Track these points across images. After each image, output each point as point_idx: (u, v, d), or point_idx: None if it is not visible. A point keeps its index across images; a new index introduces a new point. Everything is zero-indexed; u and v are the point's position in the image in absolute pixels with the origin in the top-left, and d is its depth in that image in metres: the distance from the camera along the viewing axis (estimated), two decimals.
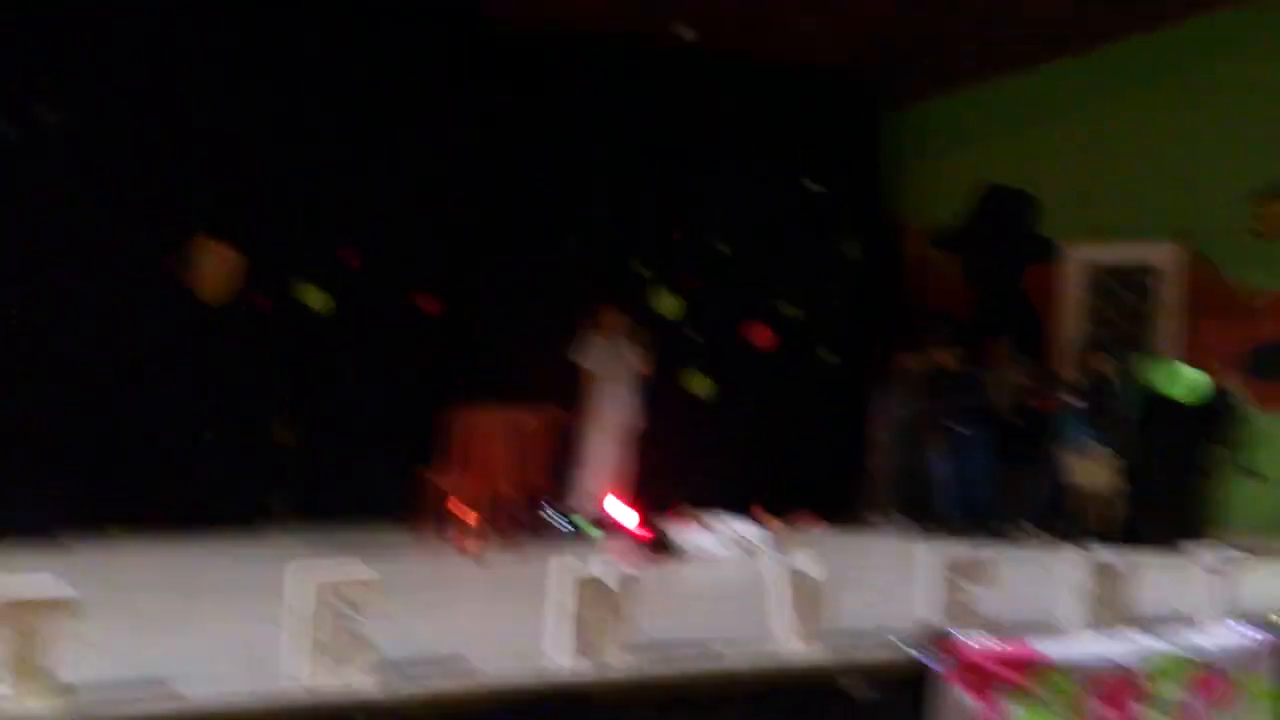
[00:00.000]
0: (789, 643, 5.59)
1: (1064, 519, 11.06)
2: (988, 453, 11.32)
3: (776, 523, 10.34)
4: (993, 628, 5.96)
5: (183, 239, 9.85)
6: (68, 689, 4.33)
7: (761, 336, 12.47)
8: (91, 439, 9.45)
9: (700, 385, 12.02)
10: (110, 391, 9.53)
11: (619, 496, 10.72)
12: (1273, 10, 10.68)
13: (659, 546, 9.18)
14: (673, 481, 10.97)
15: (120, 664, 5.03)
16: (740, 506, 10.27)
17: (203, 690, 4.57)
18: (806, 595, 5.60)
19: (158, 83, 9.76)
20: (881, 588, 7.88)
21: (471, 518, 9.05)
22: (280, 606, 4.85)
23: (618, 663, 5.16)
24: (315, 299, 10.34)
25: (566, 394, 10.39)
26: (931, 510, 11.92)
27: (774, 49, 11.74)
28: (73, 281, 9.36)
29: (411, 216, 10.77)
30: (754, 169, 12.39)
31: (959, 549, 6.29)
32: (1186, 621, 6.52)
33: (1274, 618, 6.66)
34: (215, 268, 9.93)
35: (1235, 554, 6.68)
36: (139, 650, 5.36)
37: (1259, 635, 6.46)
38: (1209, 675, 6.24)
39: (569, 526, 10.36)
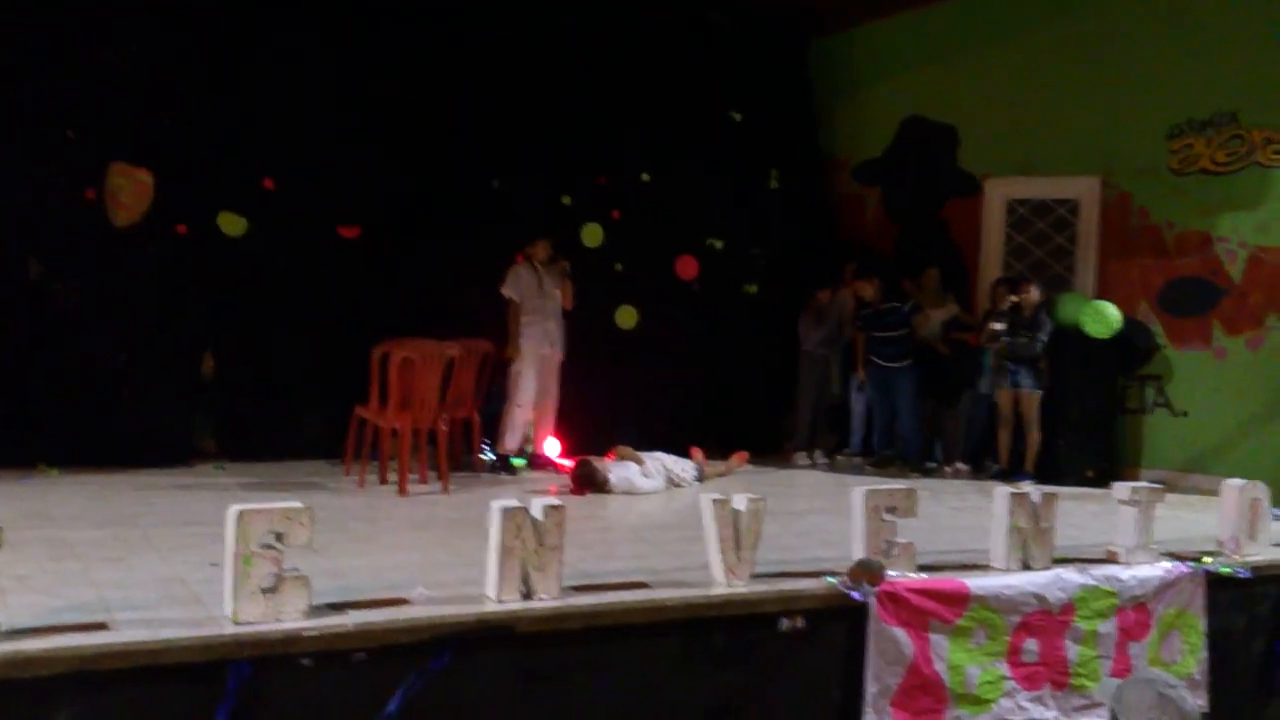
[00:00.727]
0: (718, 576, 5.61)
1: (988, 453, 11.22)
2: (913, 386, 11.38)
3: (705, 457, 10.36)
4: (920, 562, 6.03)
5: (98, 167, 9.63)
6: None
7: (688, 270, 12.44)
8: (13, 375, 9.29)
9: (627, 319, 11.98)
10: (29, 327, 9.38)
11: (545, 429, 10.71)
12: None
13: (584, 479, 9.16)
14: (601, 417, 11.00)
15: (50, 598, 4.98)
16: (666, 442, 10.26)
17: (134, 625, 4.52)
18: (735, 529, 5.61)
19: (72, 8, 9.50)
20: (810, 522, 7.96)
21: (401, 452, 8.98)
22: (212, 542, 4.76)
23: (545, 595, 5.15)
24: (234, 226, 10.18)
25: (495, 328, 10.29)
26: (855, 445, 12.05)
27: None
28: None
29: (338, 149, 10.56)
30: (680, 100, 12.29)
31: (885, 483, 6.32)
32: (1108, 556, 6.63)
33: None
34: (131, 193, 9.71)
35: (1153, 488, 6.78)
36: (69, 585, 5.28)
37: (1180, 568, 6.60)
38: (1132, 608, 6.37)
39: (497, 460, 10.34)
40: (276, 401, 10.19)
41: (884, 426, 11.62)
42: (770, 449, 11.98)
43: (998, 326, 10.69)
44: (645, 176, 12.15)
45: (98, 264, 9.56)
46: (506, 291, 10.38)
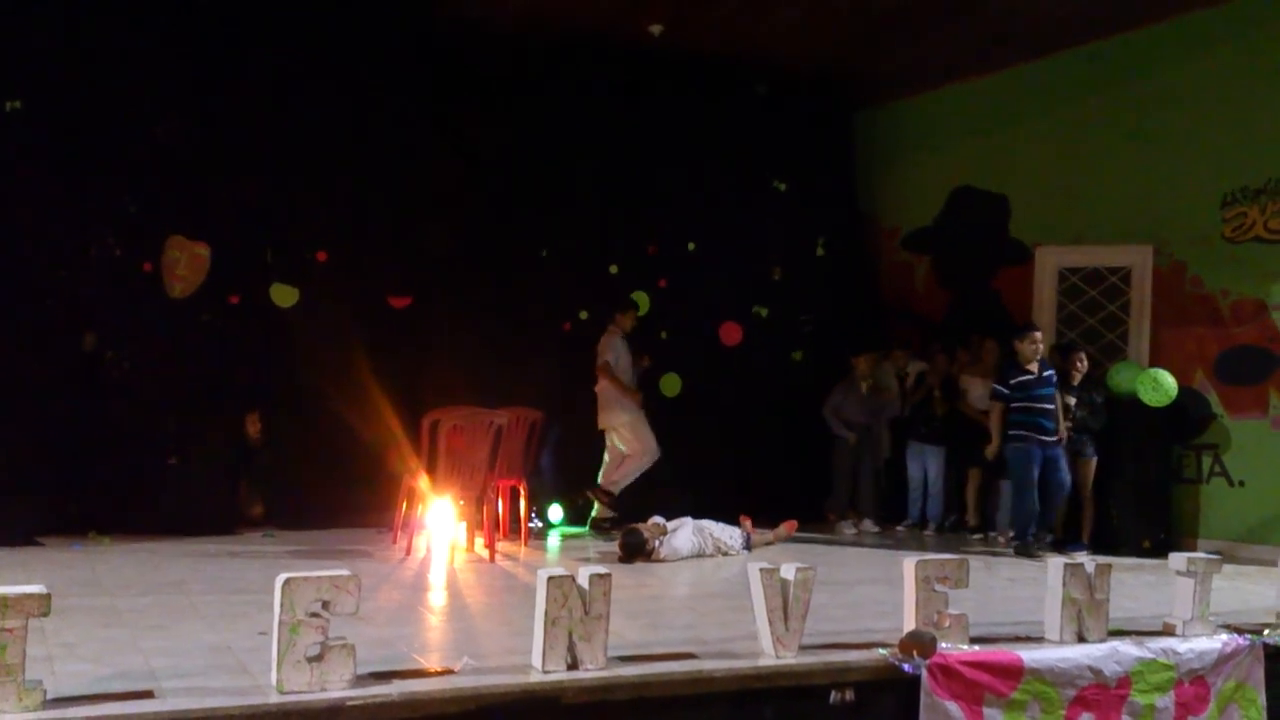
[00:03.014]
0: (767, 647, 5.54)
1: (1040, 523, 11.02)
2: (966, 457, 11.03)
3: (754, 526, 10.27)
4: (973, 634, 5.93)
5: (156, 240, 9.81)
6: (42, 690, 4.29)
7: (732, 337, 12.43)
8: (67, 443, 9.43)
9: (671, 387, 11.98)
10: (84, 394, 9.54)
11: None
12: (1242, 11, 10.65)
13: (633, 548, 9.09)
14: (646, 484, 10.95)
15: (97, 666, 5.00)
16: (711, 509, 10.17)
17: (180, 694, 4.52)
18: (784, 599, 5.54)
19: (133, 86, 9.78)
20: (860, 593, 7.87)
21: (449, 520, 8.99)
22: (259, 610, 4.75)
23: (591, 665, 5.11)
24: (286, 297, 10.29)
25: (543, 397, 10.33)
26: (914, 515, 11.89)
27: (748, 51, 11.73)
28: (44, 284, 9.41)
29: (390, 221, 10.73)
30: (727, 170, 12.37)
31: (937, 554, 6.25)
32: (1165, 628, 6.51)
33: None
34: (189, 265, 9.87)
35: (1211, 559, 6.65)
36: (116, 653, 5.30)
37: (1238, 641, 6.46)
38: (1189, 681, 6.24)
39: (543, 526, 10.37)
40: (326, 469, 10.23)
41: (1035, 509, 10.20)
42: (816, 517, 11.91)
43: (1071, 401, 10.55)
44: (691, 246, 12.20)
45: (151, 334, 9.72)
46: (608, 357, 10.61)
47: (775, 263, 12.70)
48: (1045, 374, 10.29)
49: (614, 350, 10.74)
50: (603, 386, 10.74)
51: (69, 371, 9.50)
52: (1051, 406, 10.26)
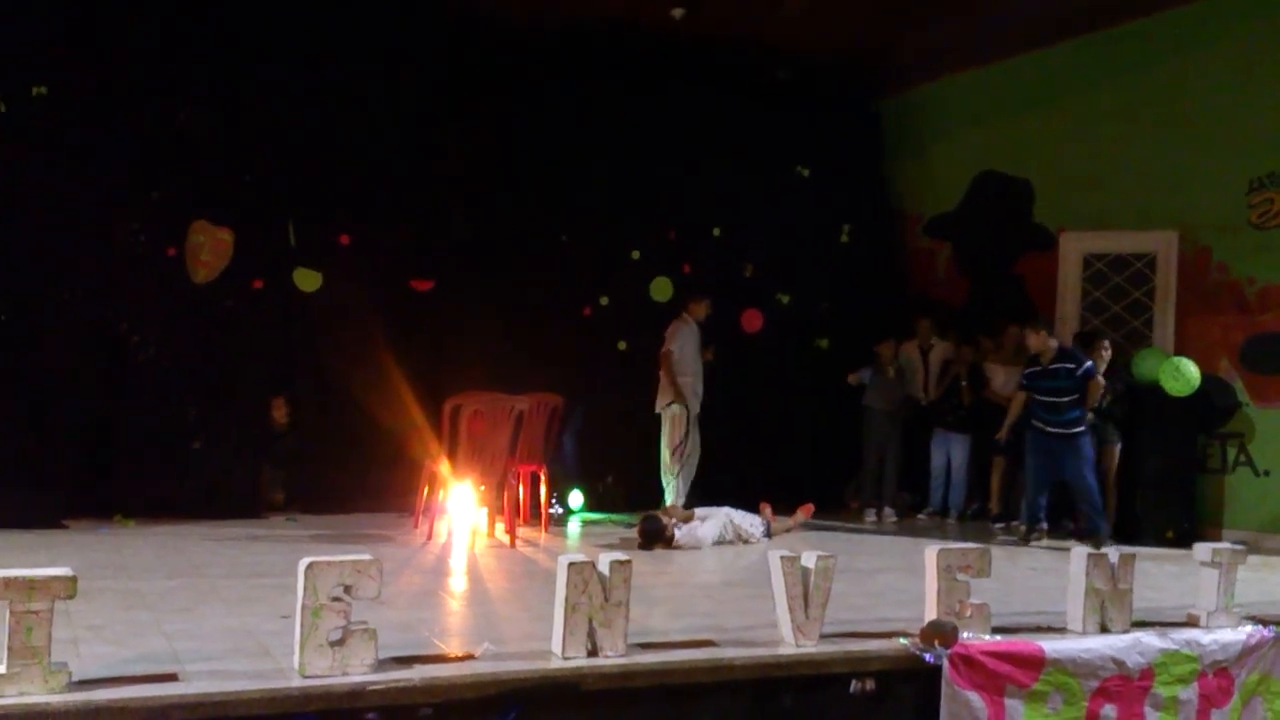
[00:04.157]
0: (787, 636, 5.53)
1: (1063, 513, 10.98)
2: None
3: (775, 513, 10.26)
4: (994, 624, 5.91)
5: (180, 225, 9.84)
6: (67, 672, 4.32)
7: (753, 324, 12.41)
8: (92, 427, 9.54)
9: None
10: (109, 379, 9.63)
11: None
12: None
13: (651, 534, 9.09)
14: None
15: (121, 649, 5.03)
16: (732, 496, 10.17)
17: (203, 677, 4.55)
18: (804, 587, 5.53)
19: (156, 72, 9.83)
20: (881, 582, 7.85)
21: (470, 505, 9.02)
22: (281, 594, 4.77)
23: (611, 652, 5.11)
24: (309, 282, 10.31)
25: (563, 382, 10.32)
26: (936, 503, 11.86)
27: (769, 37, 11.66)
28: (69, 270, 9.49)
29: (412, 204, 10.76)
30: (750, 157, 12.32)
31: (960, 542, 6.21)
32: (1189, 619, 6.47)
33: None
34: (212, 250, 9.91)
35: (1236, 549, 6.60)
36: (140, 635, 5.34)
37: (1263, 632, 6.42)
38: (1213, 674, 6.20)
39: (564, 512, 10.38)
40: (348, 454, 10.27)
41: (1033, 497, 10.36)
42: (838, 506, 11.88)
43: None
44: (716, 231, 12.17)
45: (175, 319, 9.77)
46: (671, 346, 10.63)
47: (799, 249, 12.62)
48: (1052, 367, 10.07)
49: (679, 340, 10.71)
50: (662, 373, 10.76)
51: (94, 357, 9.55)
52: (1050, 399, 10.03)
